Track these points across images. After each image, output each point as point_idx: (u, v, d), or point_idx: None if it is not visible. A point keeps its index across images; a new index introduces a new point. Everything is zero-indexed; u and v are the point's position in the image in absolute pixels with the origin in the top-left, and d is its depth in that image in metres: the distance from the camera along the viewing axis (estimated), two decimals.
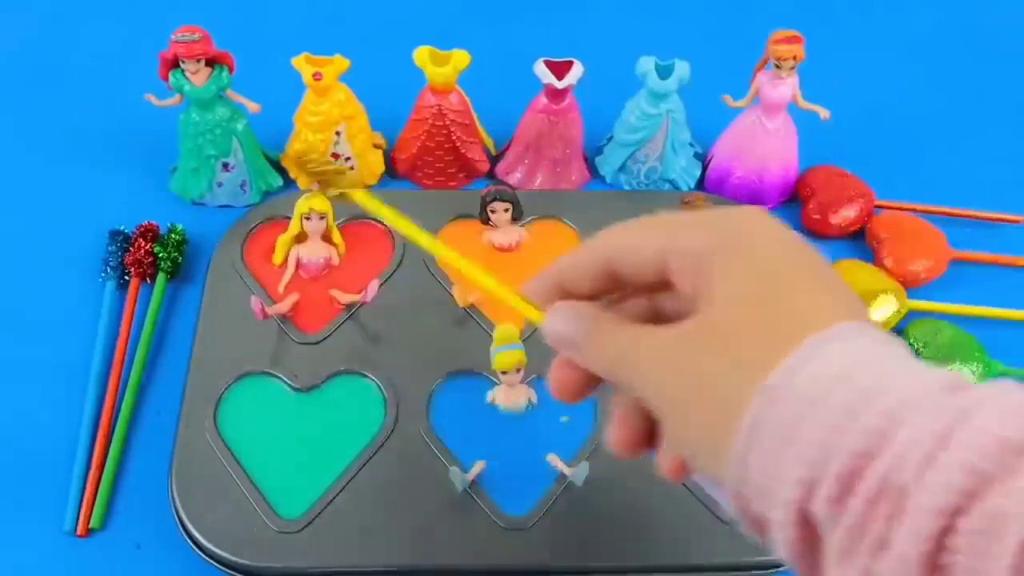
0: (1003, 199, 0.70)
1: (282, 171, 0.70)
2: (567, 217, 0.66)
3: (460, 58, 0.64)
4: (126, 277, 0.63)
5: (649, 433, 0.32)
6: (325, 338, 0.59)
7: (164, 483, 0.52)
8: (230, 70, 0.63)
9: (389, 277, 0.62)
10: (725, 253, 0.28)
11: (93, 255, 0.65)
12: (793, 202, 0.71)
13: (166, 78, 0.63)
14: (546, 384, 0.34)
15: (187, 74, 0.62)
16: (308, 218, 0.61)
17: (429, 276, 0.62)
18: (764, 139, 0.67)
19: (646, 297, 0.33)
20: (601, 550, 0.50)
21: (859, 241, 0.68)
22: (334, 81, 0.64)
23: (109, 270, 0.63)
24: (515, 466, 0.53)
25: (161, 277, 0.63)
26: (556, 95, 0.65)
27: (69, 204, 0.68)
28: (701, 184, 0.72)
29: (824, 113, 0.65)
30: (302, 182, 0.68)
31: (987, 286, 0.65)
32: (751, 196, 0.69)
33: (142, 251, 0.62)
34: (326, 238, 0.62)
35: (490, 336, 0.56)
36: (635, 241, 0.32)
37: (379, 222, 0.65)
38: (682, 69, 0.64)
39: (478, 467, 0.52)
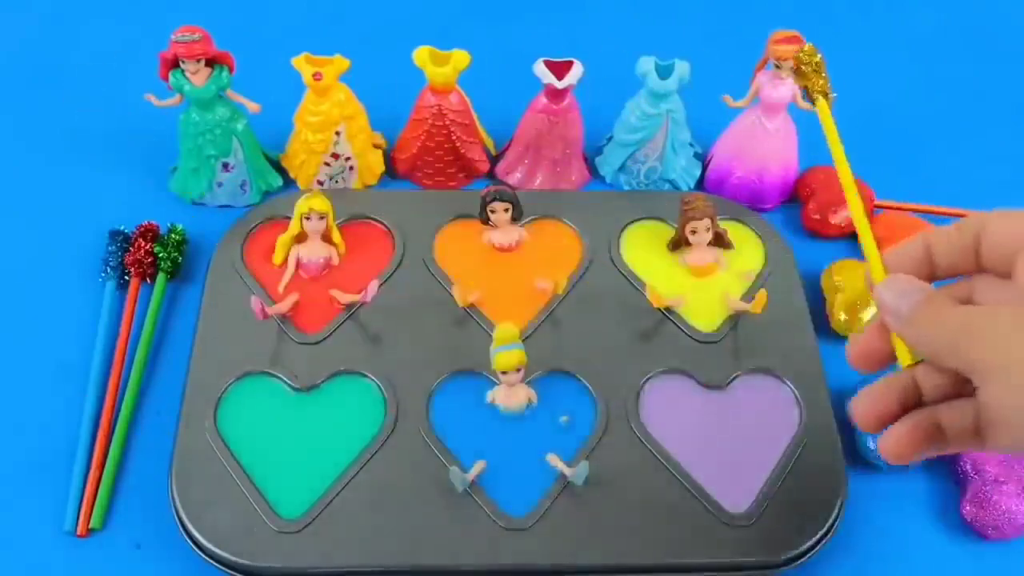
0: (1003, 199, 0.70)
1: (282, 171, 0.70)
2: (567, 217, 0.66)
3: (460, 58, 0.64)
4: (126, 277, 0.63)
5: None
6: (325, 338, 0.59)
7: (164, 483, 0.52)
8: (230, 70, 0.63)
9: (389, 277, 0.62)
10: None
11: (93, 255, 0.65)
12: (793, 202, 0.71)
13: (166, 78, 0.63)
14: (846, 350, 0.36)
15: (187, 74, 0.62)
16: (308, 218, 0.61)
17: (429, 276, 0.62)
18: (764, 139, 0.67)
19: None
20: (601, 550, 0.50)
21: (859, 241, 0.68)
22: (334, 81, 0.64)
23: (109, 270, 0.63)
24: (515, 466, 0.53)
25: (161, 277, 0.63)
26: (556, 95, 0.65)
27: (69, 204, 0.68)
28: (701, 184, 0.72)
29: None
30: (302, 182, 0.68)
31: None
32: (751, 196, 0.69)
33: (142, 251, 0.62)
34: (326, 238, 0.62)
35: (490, 336, 0.56)
36: (1009, 225, 0.33)
37: (379, 221, 0.65)
38: (682, 69, 0.64)
39: (478, 467, 0.52)
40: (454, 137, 0.68)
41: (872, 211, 0.68)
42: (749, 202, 0.69)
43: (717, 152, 0.70)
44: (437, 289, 0.62)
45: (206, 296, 0.61)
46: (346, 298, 0.60)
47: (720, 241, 0.63)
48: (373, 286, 0.59)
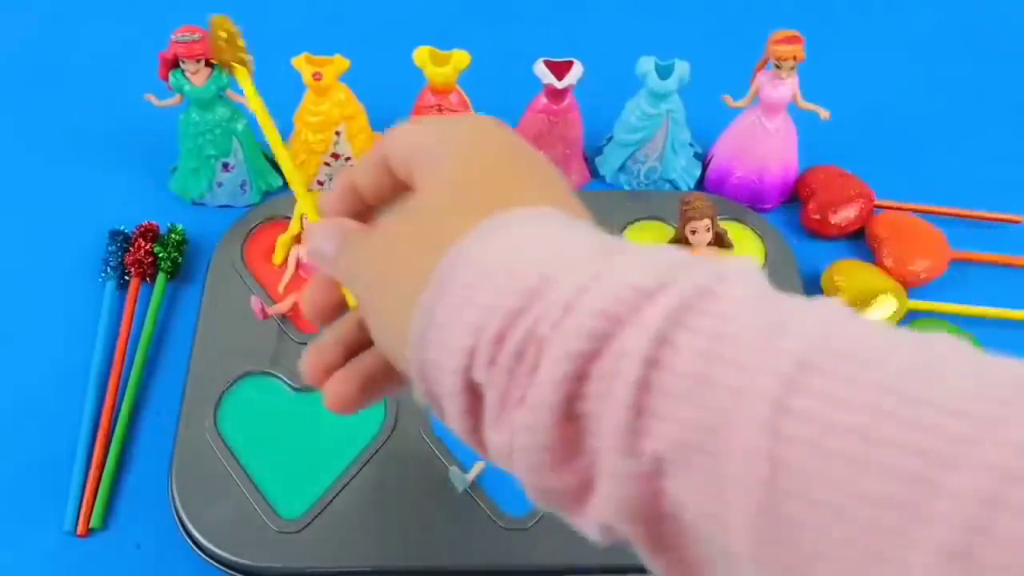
0: (1003, 199, 0.70)
1: (282, 171, 0.70)
2: None
3: (460, 58, 0.64)
4: (126, 277, 0.63)
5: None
6: None
7: (164, 483, 0.52)
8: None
9: None
10: (440, 146, 0.29)
11: (93, 255, 0.65)
12: (793, 202, 0.71)
13: (166, 78, 0.63)
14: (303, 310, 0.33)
15: (187, 74, 0.62)
16: (308, 218, 0.61)
17: None
18: (764, 139, 0.67)
19: None
20: (601, 550, 0.50)
21: (859, 241, 0.68)
22: (334, 81, 0.64)
23: (109, 270, 0.63)
24: None
25: (161, 277, 0.63)
26: (556, 95, 0.65)
27: (69, 204, 0.68)
28: (701, 184, 0.72)
29: (824, 113, 0.65)
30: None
31: (987, 286, 0.65)
32: (751, 196, 0.69)
33: (142, 251, 0.62)
34: None
35: None
36: (403, 136, 0.31)
37: None
38: (682, 69, 0.64)
39: (478, 467, 0.52)
40: None
41: (872, 211, 0.68)
42: (749, 202, 0.69)
43: (717, 152, 0.70)
44: None
45: (206, 296, 0.61)
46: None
47: (720, 241, 0.63)
48: None
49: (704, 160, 0.72)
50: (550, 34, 0.84)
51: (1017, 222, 0.69)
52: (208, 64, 0.62)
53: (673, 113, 0.66)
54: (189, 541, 0.50)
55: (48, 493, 0.53)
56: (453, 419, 0.25)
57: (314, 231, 0.31)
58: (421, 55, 0.64)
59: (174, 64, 0.62)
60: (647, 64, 0.64)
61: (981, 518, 0.16)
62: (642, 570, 0.23)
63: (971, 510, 0.16)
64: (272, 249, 0.63)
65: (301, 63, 0.63)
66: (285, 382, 0.57)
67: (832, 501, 0.18)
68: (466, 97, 0.67)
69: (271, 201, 0.67)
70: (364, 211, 0.32)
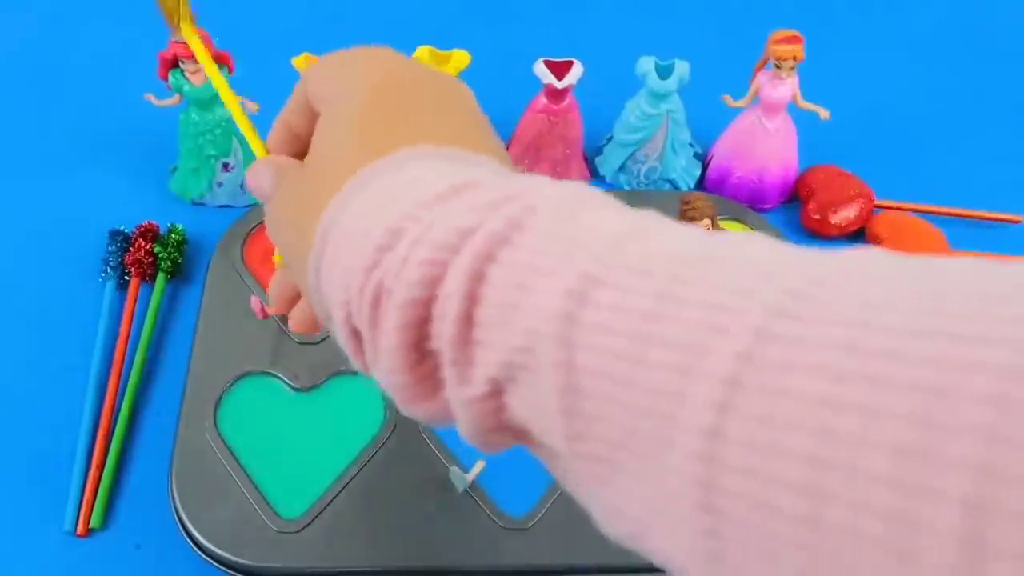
0: (1003, 199, 0.70)
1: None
2: None
3: (460, 58, 0.64)
4: (126, 277, 0.63)
5: None
6: (325, 338, 0.59)
7: (164, 483, 0.52)
8: (230, 70, 0.63)
9: None
10: (336, 83, 0.30)
11: (93, 255, 0.65)
12: (793, 202, 0.71)
13: (166, 78, 0.63)
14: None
15: (187, 74, 0.62)
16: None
17: None
18: (764, 139, 0.67)
19: None
20: (601, 550, 0.50)
21: (859, 241, 0.68)
22: None
23: (109, 270, 0.63)
24: (515, 466, 0.53)
25: (161, 277, 0.63)
26: (556, 95, 0.65)
27: (69, 204, 0.68)
28: (701, 184, 0.72)
29: (824, 113, 0.66)
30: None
31: None
32: (751, 196, 0.69)
33: (142, 251, 0.62)
34: None
35: None
36: (318, 72, 0.32)
37: None
38: (682, 69, 0.64)
39: (478, 467, 0.52)
40: None
41: (872, 211, 0.68)
42: (749, 202, 0.69)
43: (717, 152, 0.70)
44: None
45: (206, 296, 0.61)
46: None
47: None
48: None
49: (704, 160, 0.72)
50: (550, 34, 0.85)
51: (1017, 222, 0.69)
52: None
53: (673, 113, 0.66)
54: (189, 541, 0.50)
55: (48, 493, 0.53)
56: (351, 359, 0.28)
57: (252, 169, 0.33)
58: (421, 55, 0.64)
59: (173, 64, 0.62)
60: (647, 64, 0.64)
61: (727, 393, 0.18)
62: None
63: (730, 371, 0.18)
64: (272, 249, 0.62)
65: (301, 63, 0.63)
66: (285, 382, 0.57)
67: (621, 398, 0.20)
68: None
69: None
70: (304, 148, 0.33)
